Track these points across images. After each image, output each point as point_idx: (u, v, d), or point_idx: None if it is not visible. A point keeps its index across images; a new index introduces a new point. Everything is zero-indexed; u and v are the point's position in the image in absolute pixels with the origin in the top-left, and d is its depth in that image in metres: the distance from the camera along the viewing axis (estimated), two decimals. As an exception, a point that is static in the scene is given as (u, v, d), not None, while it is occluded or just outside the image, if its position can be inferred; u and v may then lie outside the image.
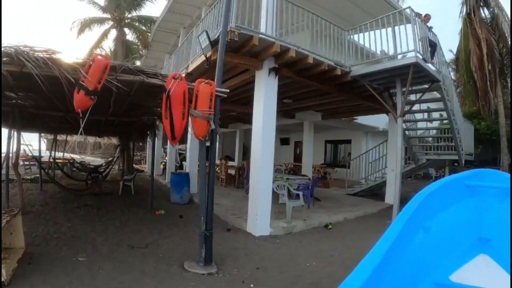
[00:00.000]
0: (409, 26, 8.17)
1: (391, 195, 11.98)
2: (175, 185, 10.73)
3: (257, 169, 7.33)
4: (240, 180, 14.69)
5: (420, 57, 7.88)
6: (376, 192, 14.32)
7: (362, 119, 16.95)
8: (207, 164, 5.68)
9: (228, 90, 5.02)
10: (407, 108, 9.41)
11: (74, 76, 3.93)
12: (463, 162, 11.89)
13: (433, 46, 9.01)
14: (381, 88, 9.65)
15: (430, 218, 2.77)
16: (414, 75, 8.07)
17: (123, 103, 6.60)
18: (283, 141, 24.96)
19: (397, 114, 8.67)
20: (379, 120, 17.86)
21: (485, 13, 15.70)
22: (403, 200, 11.66)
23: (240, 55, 7.13)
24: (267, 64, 7.32)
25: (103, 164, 16.22)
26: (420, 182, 18.22)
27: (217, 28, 6.91)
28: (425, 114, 13.15)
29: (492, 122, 16.29)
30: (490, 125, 16.38)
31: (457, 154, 11.49)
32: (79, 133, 4.01)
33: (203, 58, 7.19)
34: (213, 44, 6.44)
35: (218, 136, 4.98)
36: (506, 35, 15.15)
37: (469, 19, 15.38)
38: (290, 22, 7.56)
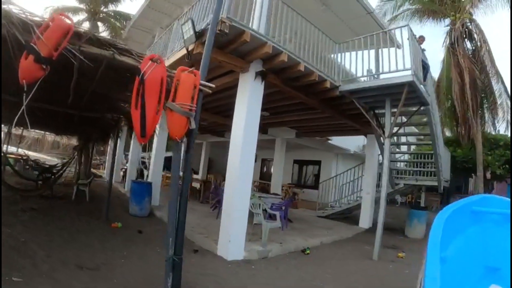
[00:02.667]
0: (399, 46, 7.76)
1: (366, 219, 11.73)
2: (136, 195, 9.61)
3: (233, 186, 6.44)
4: (205, 194, 13.68)
5: (416, 76, 7.40)
6: (347, 215, 13.83)
7: (336, 140, 16.42)
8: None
9: (213, 86, 4.12)
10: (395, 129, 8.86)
11: (25, 37, 2.96)
12: (442, 188, 11.61)
13: (425, 68, 8.65)
14: (366, 107, 9.07)
15: (445, 248, 2.66)
16: (406, 96, 7.54)
17: (86, 90, 5.59)
18: (249, 157, 24.10)
19: (385, 135, 8.10)
20: (351, 143, 17.51)
21: (467, 44, 15.72)
22: (375, 224, 11.09)
23: (226, 52, 6.26)
24: (254, 67, 6.50)
25: (58, 164, 14.71)
26: (388, 207, 17.87)
27: (204, 21, 6.03)
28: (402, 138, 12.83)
29: (468, 150, 16.16)
30: (467, 153, 16.23)
31: (437, 180, 11.15)
32: (17, 117, 2.84)
33: (182, 53, 6.36)
34: (198, 35, 5.58)
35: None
36: (488, 67, 15.19)
37: (452, 49, 15.34)
38: (283, 30, 6.79)
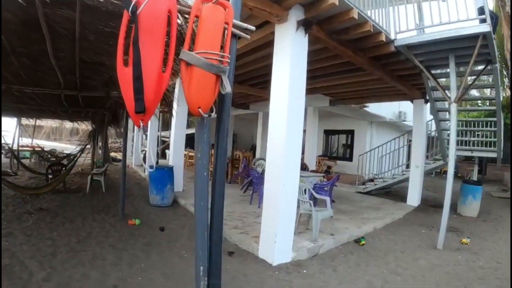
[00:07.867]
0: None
1: (415, 196, 10.35)
2: (156, 183, 8.33)
3: (277, 170, 4.95)
4: (234, 175, 12.43)
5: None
6: (387, 190, 12.55)
7: (370, 107, 14.81)
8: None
9: (253, 28, 2.57)
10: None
11: None
12: (501, 159, 10.29)
13: (493, 19, 6.94)
14: (421, 66, 7.46)
15: None
16: (471, 52, 6.03)
17: (73, 61, 4.22)
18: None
19: (451, 99, 6.59)
20: (386, 110, 15.92)
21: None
22: (424, 201, 10.14)
23: (258, -4, 4.63)
24: (294, 14, 4.95)
25: (72, 152, 13.59)
26: (430, 180, 16.42)
27: None
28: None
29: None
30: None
31: (496, 151, 9.78)
32: None
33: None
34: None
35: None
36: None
37: (502, 1, 13.31)
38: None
